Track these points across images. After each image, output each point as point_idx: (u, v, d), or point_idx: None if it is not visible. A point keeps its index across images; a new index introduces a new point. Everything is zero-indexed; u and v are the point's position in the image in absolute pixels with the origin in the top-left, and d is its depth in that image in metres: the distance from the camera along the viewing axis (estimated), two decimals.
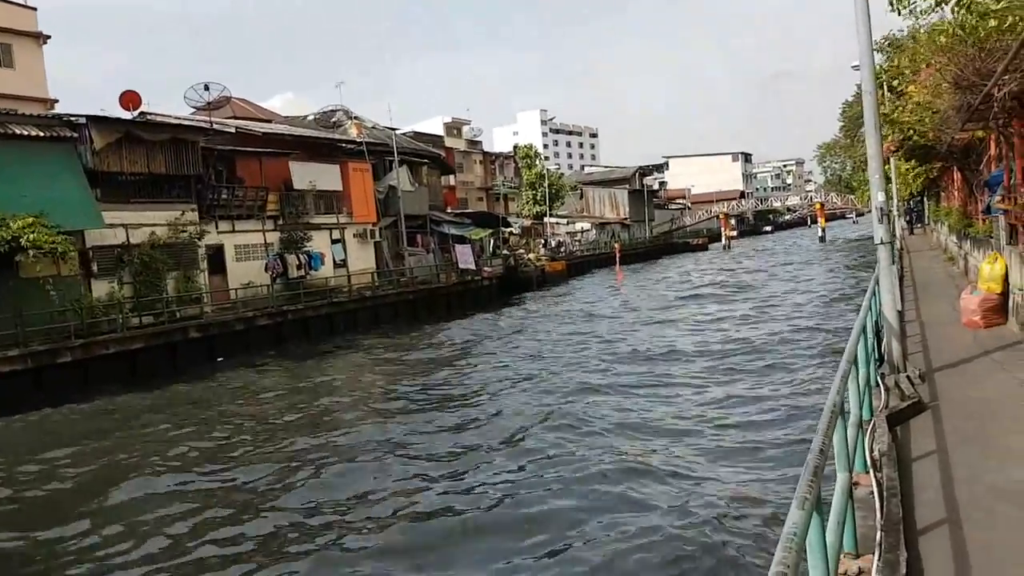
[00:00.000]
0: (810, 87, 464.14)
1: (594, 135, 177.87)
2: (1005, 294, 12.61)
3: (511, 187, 74.77)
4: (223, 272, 31.45)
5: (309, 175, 36.04)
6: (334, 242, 37.35)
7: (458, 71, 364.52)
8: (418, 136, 56.45)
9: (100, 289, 26.05)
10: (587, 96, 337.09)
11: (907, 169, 32.41)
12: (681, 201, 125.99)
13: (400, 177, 41.34)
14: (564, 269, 57.93)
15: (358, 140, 40.81)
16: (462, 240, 44.90)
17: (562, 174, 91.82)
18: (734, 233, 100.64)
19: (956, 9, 8.79)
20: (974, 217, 21.51)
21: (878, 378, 9.38)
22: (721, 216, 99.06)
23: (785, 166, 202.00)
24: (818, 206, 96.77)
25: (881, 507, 5.41)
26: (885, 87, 25.98)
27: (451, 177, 61.18)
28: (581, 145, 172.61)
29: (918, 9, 9.44)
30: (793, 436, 12.74)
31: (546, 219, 74.28)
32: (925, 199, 50.97)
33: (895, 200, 44.33)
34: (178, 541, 10.55)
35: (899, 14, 9.54)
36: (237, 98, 43.91)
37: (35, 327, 22.50)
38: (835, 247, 74.33)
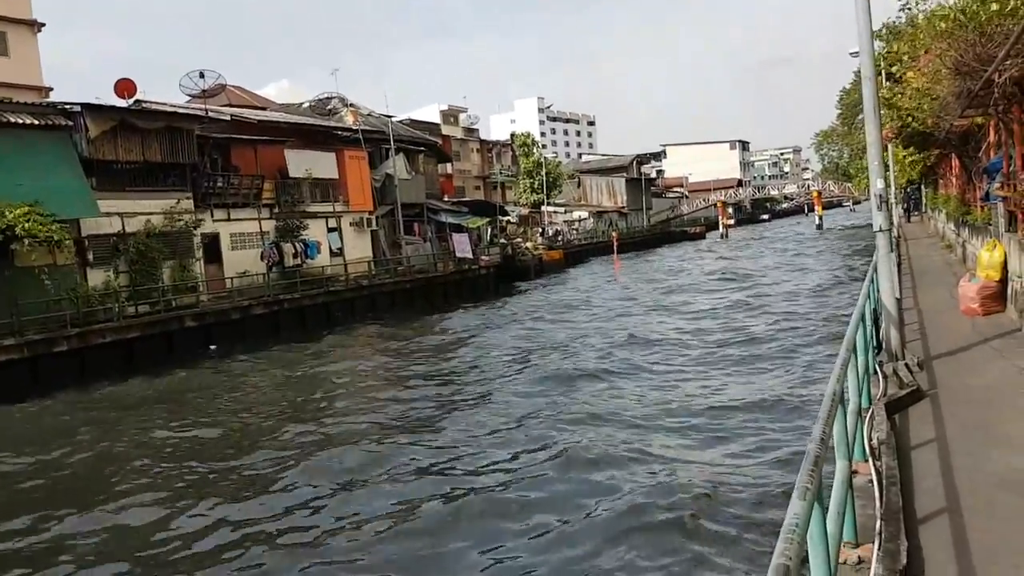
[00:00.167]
0: (807, 74, 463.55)
1: (591, 123, 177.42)
2: (1004, 282, 12.57)
3: (508, 175, 74.58)
4: (219, 261, 31.34)
5: (305, 163, 35.88)
6: (330, 231, 37.22)
7: (455, 58, 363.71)
8: (415, 124, 56.23)
9: (96, 278, 25.94)
10: (585, 84, 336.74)
11: (905, 156, 32.31)
12: (679, 189, 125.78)
13: (396, 165, 41.18)
14: (562, 258, 57.88)
15: (354, 128, 40.63)
16: (459, 229, 44.78)
17: (559, 162, 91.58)
18: (731, 221, 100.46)
19: None
20: (972, 204, 21.45)
21: (876, 366, 9.35)
22: (719, 204, 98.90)
23: (782, 154, 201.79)
24: (815, 194, 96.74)
25: (881, 496, 5.37)
26: (883, 74, 25.87)
27: (448, 165, 60.99)
28: (579, 133, 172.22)
29: None
30: (787, 425, 12.74)
31: (543, 207, 74.12)
32: (923, 186, 50.90)
33: (893, 187, 44.34)
34: (170, 530, 10.53)
35: None
36: (232, 86, 43.75)
37: (31, 316, 22.41)
38: (832, 235, 74.32)
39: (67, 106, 26.37)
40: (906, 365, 9.36)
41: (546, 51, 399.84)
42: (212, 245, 31.16)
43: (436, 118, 65.78)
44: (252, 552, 9.63)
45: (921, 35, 14.53)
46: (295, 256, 33.21)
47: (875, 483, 5.59)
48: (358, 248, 38.51)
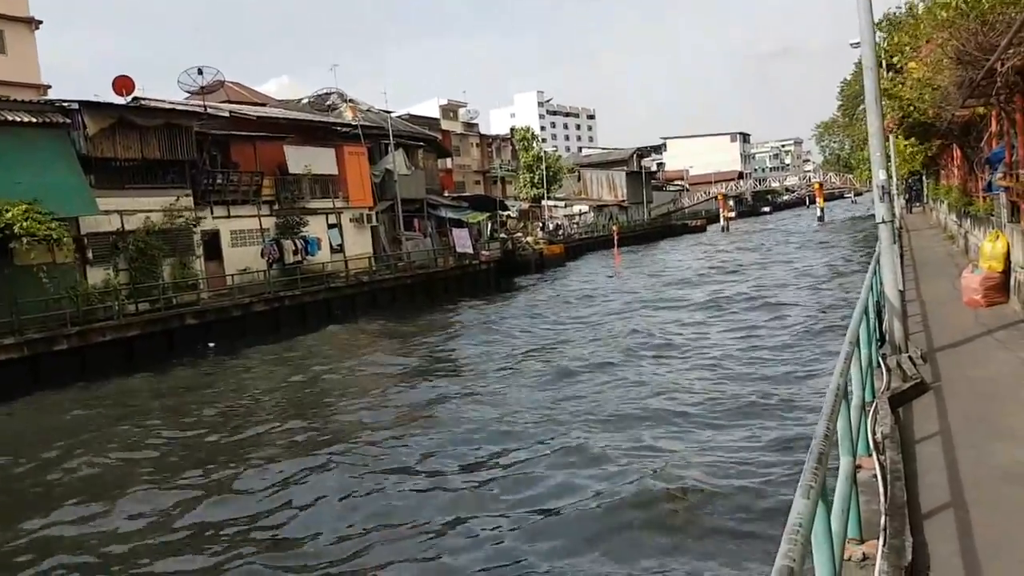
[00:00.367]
0: (808, 66, 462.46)
1: (591, 116, 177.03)
2: (1007, 272, 12.49)
3: (508, 170, 74.46)
4: (219, 258, 31.27)
5: (304, 159, 35.78)
6: (330, 227, 37.13)
7: (454, 53, 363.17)
8: (414, 119, 56.12)
9: (96, 276, 25.87)
10: (584, 77, 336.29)
11: (906, 146, 32.22)
12: (679, 182, 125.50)
13: (396, 160, 41.06)
14: (562, 252, 57.75)
15: (353, 123, 40.53)
16: (459, 224, 44.66)
17: (560, 156, 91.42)
18: (732, 214, 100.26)
19: None
20: (974, 195, 21.37)
21: (880, 359, 9.29)
22: (719, 197, 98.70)
23: (783, 146, 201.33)
24: (817, 186, 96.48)
25: (885, 491, 5.31)
26: (884, 64, 25.76)
27: (448, 160, 60.86)
28: (579, 127, 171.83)
29: None
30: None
31: (544, 202, 74.00)
32: (924, 177, 50.76)
33: (895, 178, 44.22)
34: (167, 531, 10.50)
35: None
36: (231, 82, 43.62)
37: (31, 315, 22.37)
38: (834, 227, 74.20)
39: (65, 104, 26.28)
40: (910, 358, 9.30)
41: (546, 46, 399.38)
42: (212, 242, 31.09)
43: (436, 113, 65.68)
44: (255, 548, 9.60)
45: (922, 25, 14.45)
46: (295, 253, 33.12)
47: (879, 478, 5.53)
48: (358, 244, 38.43)
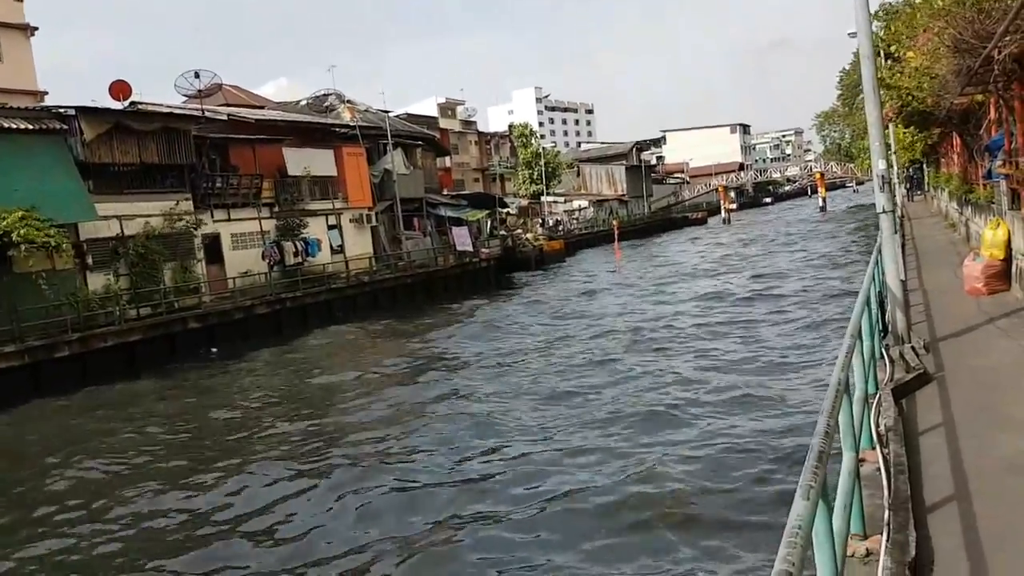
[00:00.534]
0: (808, 56, 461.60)
1: (590, 111, 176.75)
2: (1008, 260, 12.42)
3: (507, 167, 74.37)
4: (220, 261, 31.26)
5: (303, 161, 35.75)
6: (330, 228, 37.11)
7: (452, 52, 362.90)
8: (412, 118, 56.05)
9: (96, 282, 25.87)
10: (583, 73, 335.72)
11: (906, 135, 32.13)
12: (679, 175, 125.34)
13: (395, 160, 41.03)
14: (562, 248, 57.66)
15: (351, 124, 40.48)
16: (459, 222, 44.62)
17: (558, 152, 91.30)
18: (734, 206, 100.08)
19: None
20: (975, 183, 21.29)
21: (883, 350, 9.24)
22: (720, 189, 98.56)
23: (784, 136, 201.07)
24: (818, 176, 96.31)
25: (889, 485, 5.26)
26: (882, 54, 25.67)
27: (447, 159, 60.79)
28: (577, 122, 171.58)
29: None
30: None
31: (543, 198, 73.92)
32: (925, 166, 50.64)
33: (895, 167, 44.11)
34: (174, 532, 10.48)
35: None
36: (228, 85, 43.59)
37: (31, 322, 22.34)
38: (836, 217, 74.09)
39: (61, 110, 26.26)
40: (912, 348, 9.25)
41: (543, 41, 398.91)
42: (213, 246, 31.08)
43: (434, 111, 65.57)
44: (258, 544, 9.59)
45: (919, 14, 14.38)
46: (296, 255, 33.13)
47: (883, 472, 5.48)
48: (358, 245, 38.41)
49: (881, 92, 19.49)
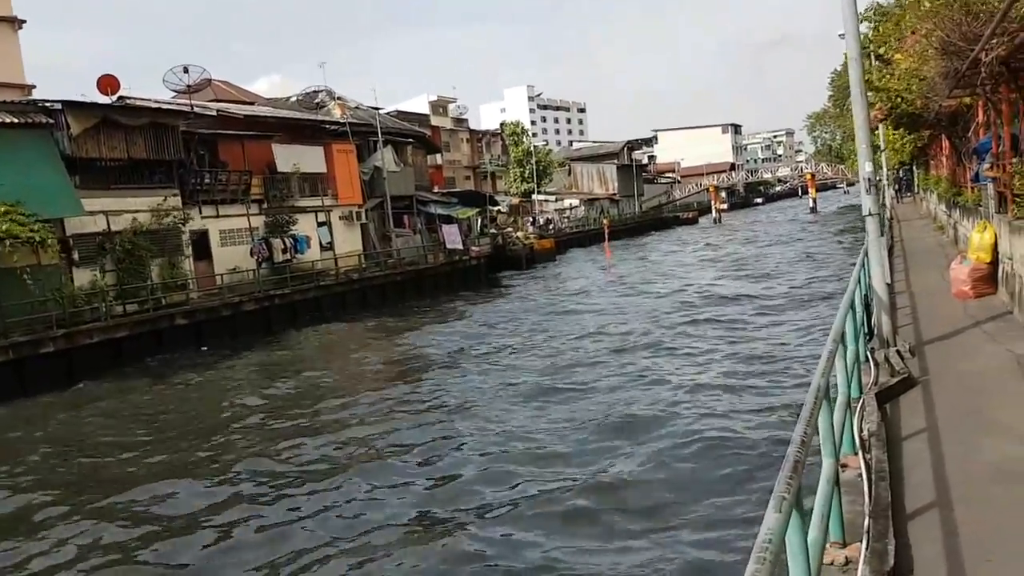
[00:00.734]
0: (799, 56, 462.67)
1: (582, 110, 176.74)
2: (995, 263, 12.42)
3: (499, 165, 74.27)
4: (208, 258, 31.09)
5: (293, 157, 35.58)
6: (320, 225, 36.96)
7: (445, 48, 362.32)
8: (403, 115, 55.89)
9: (82, 278, 25.66)
10: (575, 71, 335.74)
11: (895, 137, 32.17)
12: (671, 175, 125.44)
13: (385, 157, 40.89)
14: (553, 247, 57.59)
15: (341, 121, 40.30)
16: (449, 220, 44.52)
17: (550, 150, 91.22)
18: (724, 206, 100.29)
19: None
20: (963, 185, 21.30)
21: (868, 353, 9.20)
22: (711, 189, 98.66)
23: (775, 137, 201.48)
24: (809, 176, 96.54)
25: (870, 491, 5.21)
26: (872, 56, 25.66)
27: (438, 156, 60.65)
28: (569, 121, 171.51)
29: None
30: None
31: (534, 196, 73.85)
32: (914, 167, 50.78)
33: (884, 169, 44.22)
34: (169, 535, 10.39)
35: None
36: (218, 80, 43.36)
37: (16, 318, 22.15)
38: (826, 217, 74.30)
39: (48, 104, 26.01)
40: (898, 352, 9.21)
41: (536, 40, 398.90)
42: (201, 242, 30.89)
43: (425, 109, 65.40)
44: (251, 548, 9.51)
45: (907, 16, 14.35)
46: (284, 251, 32.96)
47: (864, 478, 5.44)
48: (348, 242, 38.28)
49: (870, 94, 19.53)
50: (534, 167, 73.20)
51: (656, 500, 9.84)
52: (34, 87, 33.78)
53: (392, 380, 19.33)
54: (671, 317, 24.56)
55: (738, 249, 49.56)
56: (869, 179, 9.73)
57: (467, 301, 34.58)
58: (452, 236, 42.92)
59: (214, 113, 33.67)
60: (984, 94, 13.20)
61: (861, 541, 4.53)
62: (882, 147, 37.83)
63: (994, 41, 8.94)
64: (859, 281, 9.63)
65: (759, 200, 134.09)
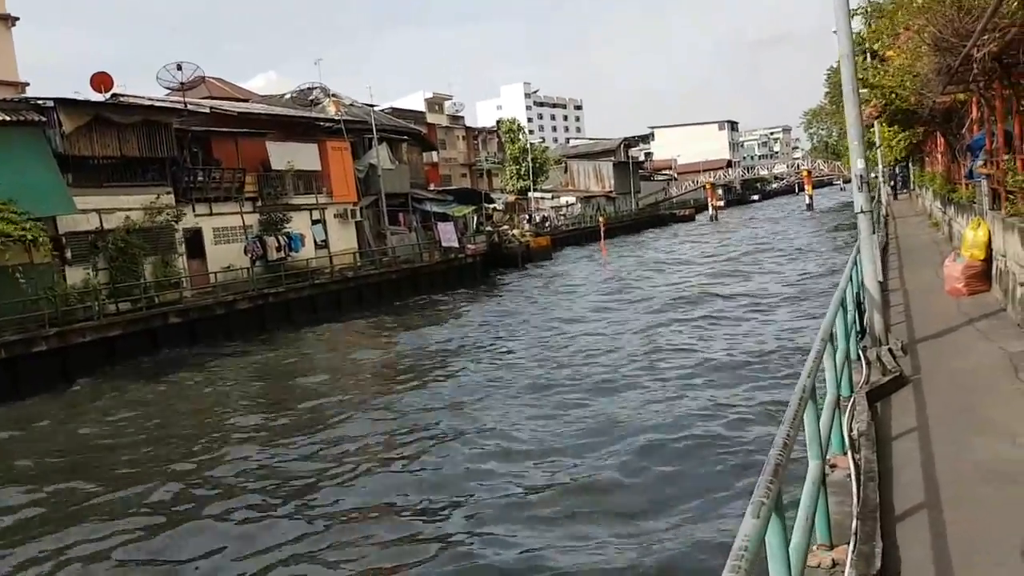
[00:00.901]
0: (796, 54, 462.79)
1: (579, 107, 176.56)
2: (988, 260, 12.37)
3: (495, 162, 74.14)
4: (202, 256, 30.96)
5: (287, 155, 35.45)
6: (314, 223, 36.84)
7: (441, 46, 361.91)
8: (398, 112, 55.75)
9: (75, 276, 25.53)
10: (572, 68, 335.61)
11: (891, 134, 32.14)
12: (667, 172, 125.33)
13: (380, 155, 40.76)
14: (549, 244, 57.48)
15: (336, 118, 40.17)
16: (445, 218, 44.42)
17: (546, 148, 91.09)
18: (721, 203, 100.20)
19: None
20: (958, 182, 21.28)
21: (859, 351, 9.15)
22: (707, 186, 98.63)
23: (772, 134, 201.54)
24: (805, 173, 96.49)
25: (858, 492, 5.16)
26: (868, 53, 25.64)
27: (434, 154, 60.51)
28: (566, 118, 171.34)
29: None
30: None
31: (530, 194, 73.74)
32: (910, 164, 50.79)
33: (880, 166, 44.21)
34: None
35: None
36: (212, 77, 43.22)
37: (8, 317, 22.02)
38: (822, 214, 74.31)
39: (40, 101, 25.88)
40: (890, 350, 9.16)
41: (533, 37, 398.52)
42: (195, 240, 30.76)
43: (421, 106, 65.24)
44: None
45: (900, 13, 14.30)
46: (279, 249, 32.80)
47: (853, 479, 5.38)
48: (343, 240, 38.17)
49: (865, 91, 19.50)
50: (530, 164, 73.10)
51: (650, 497, 9.80)
52: (28, 85, 33.64)
53: (385, 379, 19.28)
54: (666, 314, 24.52)
55: (735, 246, 49.50)
56: (861, 176, 9.68)
57: (463, 299, 34.51)
58: (448, 234, 42.82)
59: (207, 110, 33.54)
60: (978, 90, 13.16)
61: (848, 543, 4.47)
62: (877, 144, 37.83)
63: (985, 37, 8.89)
64: (851, 279, 9.59)
65: (755, 197, 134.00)
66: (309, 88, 44.33)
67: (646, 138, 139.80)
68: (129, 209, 27.72)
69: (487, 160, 72.96)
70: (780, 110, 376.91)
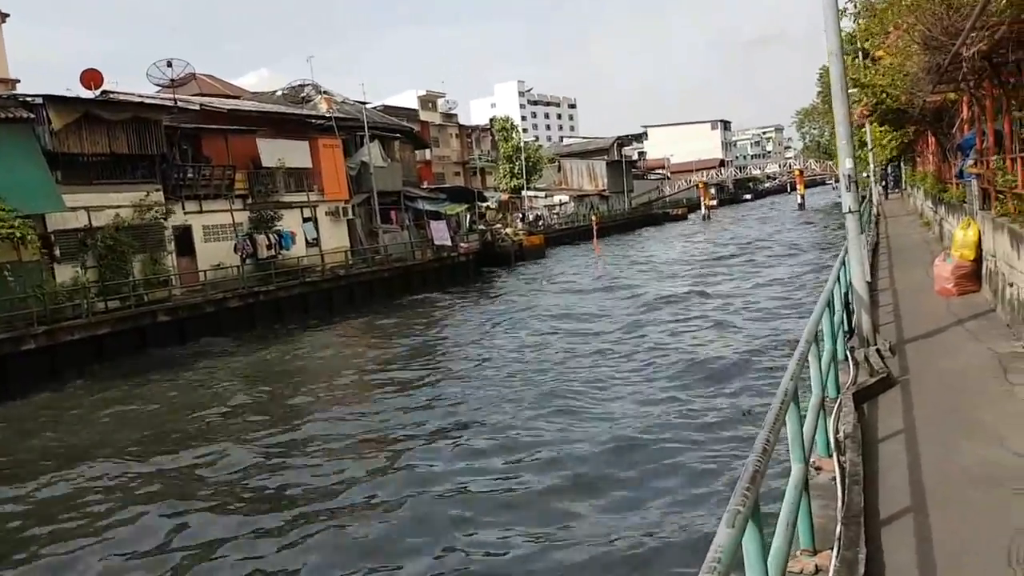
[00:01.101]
0: (789, 53, 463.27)
1: (572, 106, 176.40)
2: (978, 261, 12.34)
3: (488, 161, 74.01)
4: (192, 254, 30.77)
5: (278, 152, 35.28)
6: (305, 220, 36.67)
7: (435, 45, 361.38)
8: (390, 110, 55.55)
9: (64, 274, 25.36)
10: (566, 67, 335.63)
11: (882, 134, 32.14)
12: (661, 171, 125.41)
13: (372, 153, 40.60)
14: (542, 243, 57.42)
15: (327, 115, 39.98)
16: (437, 216, 44.28)
17: (540, 146, 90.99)
18: (714, 202, 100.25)
19: None
20: (948, 182, 21.27)
21: (847, 352, 9.09)
22: (700, 185, 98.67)
23: (764, 133, 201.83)
24: (797, 173, 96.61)
25: (843, 496, 5.09)
26: (860, 53, 25.60)
27: (427, 151, 60.34)
28: (559, 116, 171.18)
29: None
30: None
31: (524, 192, 73.64)
32: (902, 163, 50.88)
33: (871, 165, 44.24)
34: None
35: None
36: (203, 74, 43.00)
37: None
38: (813, 213, 74.44)
39: (29, 98, 25.67)
40: (877, 351, 9.11)
41: (527, 35, 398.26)
42: (184, 237, 30.58)
43: (414, 104, 65.06)
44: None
45: (890, 12, 14.26)
46: (269, 247, 32.60)
47: (838, 482, 5.32)
48: (334, 238, 38.03)
49: (855, 90, 19.47)
50: (523, 163, 72.99)
51: (633, 495, 9.77)
52: (18, 81, 33.35)
53: (375, 377, 19.17)
54: (658, 313, 24.50)
55: (726, 245, 49.53)
56: (849, 175, 9.64)
57: (455, 297, 34.43)
58: (440, 232, 42.68)
59: (197, 107, 33.32)
60: (968, 90, 13.12)
61: (832, 548, 4.41)
62: (868, 144, 37.85)
63: (975, 35, 8.84)
64: (839, 279, 9.53)
65: (748, 196, 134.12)
66: (300, 85, 44.17)
67: (640, 137, 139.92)
68: (118, 206, 27.53)
69: (480, 158, 72.83)
70: (774, 109, 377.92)
